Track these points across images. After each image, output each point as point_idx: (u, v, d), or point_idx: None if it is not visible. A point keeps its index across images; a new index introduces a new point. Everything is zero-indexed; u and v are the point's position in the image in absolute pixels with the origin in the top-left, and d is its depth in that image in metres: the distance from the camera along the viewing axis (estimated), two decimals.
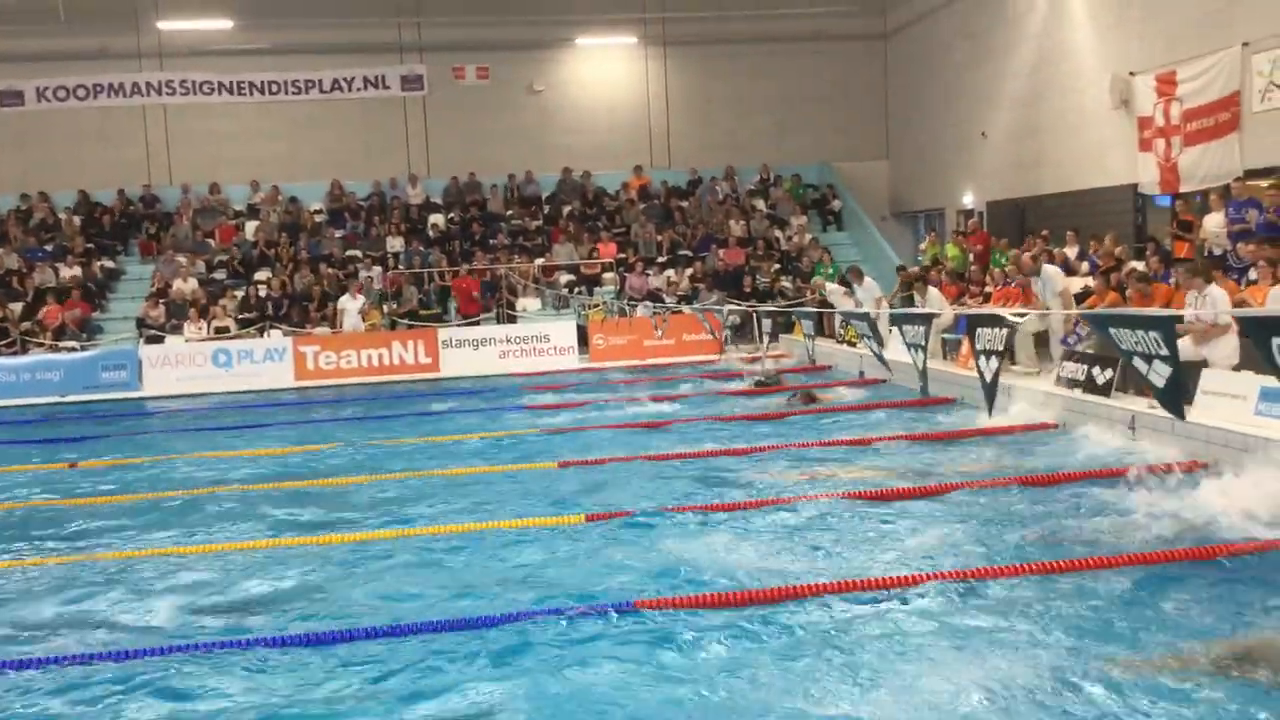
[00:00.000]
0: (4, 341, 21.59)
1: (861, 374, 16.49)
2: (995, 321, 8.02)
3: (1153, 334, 6.22)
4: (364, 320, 22.36)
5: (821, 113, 28.26)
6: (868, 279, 18.46)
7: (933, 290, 16.42)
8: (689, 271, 24.48)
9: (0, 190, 25.81)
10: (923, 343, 8.94)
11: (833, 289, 19.76)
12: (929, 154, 26.60)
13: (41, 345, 21.61)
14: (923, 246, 23.78)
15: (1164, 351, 6.25)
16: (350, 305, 22.39)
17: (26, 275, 23.51)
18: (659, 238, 25.77)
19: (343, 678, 5.20)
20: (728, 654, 5.30)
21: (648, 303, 21.88)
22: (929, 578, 6.12)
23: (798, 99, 28.15)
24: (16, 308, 22.50)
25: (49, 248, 24.63)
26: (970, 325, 8.47)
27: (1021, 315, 7.85)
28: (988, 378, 8.13)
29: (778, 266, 24.86)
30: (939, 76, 25.73)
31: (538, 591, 6.37)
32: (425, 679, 5.12)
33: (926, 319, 9.15)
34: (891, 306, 17.25)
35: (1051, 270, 14.25)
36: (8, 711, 4.96)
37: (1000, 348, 7.96)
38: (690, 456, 10.38)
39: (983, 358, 8.11)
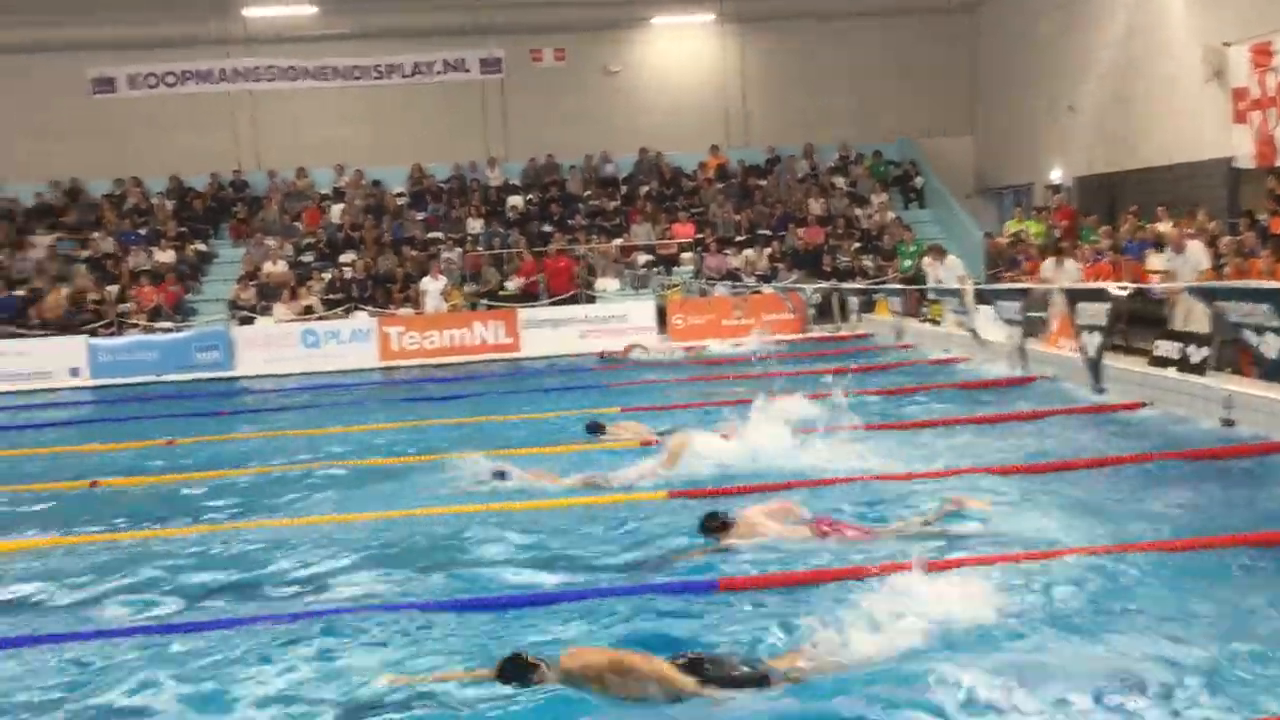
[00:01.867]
0: (102, 323, 22.27)
1: (946, 352, 16.28)
2: (1098, 296, 7.85)
3: (1263, 306, 6.07)
4: (445, 301, 22.66)
5: (903, 87, 27.79)
6: (951, 257, 18.23)
7: (1070, 263, 15.94)
8: (767, 251, 24.38)
9: (95, 176, 26.57)
10: (1020, 318, 8.79)
11: (938, 264, 19.24)
12: (1015, 128, 26.08)
13: (136, 326, 22.26)
14: (1010, 224, 23.36)
15: (1276, 324, 6.10)
16: (432, 286, 22.71)
17: (122, 259, 24.20)
18: (737, 217, 25.68)
19: (466, 638, 5.31)
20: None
21: (728, 282, 21.84)
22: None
23: (879, 74, 27.73)
24: (113, 290, 23.18)
25: (143, 232, 25.32)
26: (1071, 300, 8.30)
27: (1124, 289, 7.67)
28: (1090, 354, 7.96)
29: (858, 245, 24.62)
30: (1026, 48, 25.19)
31: (614, 566, 6.42)
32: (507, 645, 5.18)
33: (1022, 293, 8.98)
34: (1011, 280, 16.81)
35: (1196, 247, 13.90)
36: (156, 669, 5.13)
37: (1103, 322, 7.80)
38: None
39: (1085, 333, 7.94)
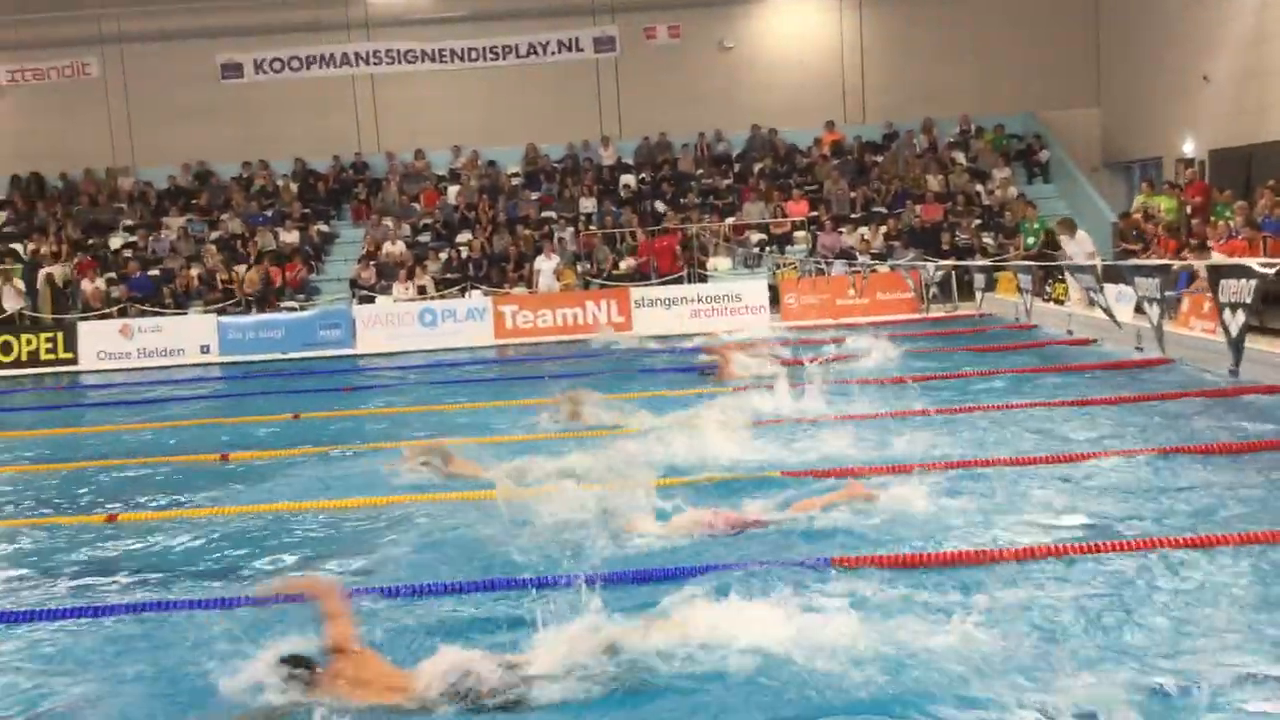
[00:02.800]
0: (230, 301, 23.08)
1: (1070, 333, 15.77)
2: (1241, 273, 7.48)
3: None
4: (559, 280, 22.84)
5: (1026, 58, 26.90)
6: (1080, 232, 17.57)
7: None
8: (883, 229, 23.94)
9: (224, 159, 27.49)
10: (1157, 296, 8.43)
11: (1069, 239, 18.61)
12: (1144, 99, 25.03)
13: (266, 300, 22.98)
14: (1139, 199, 22.47)
15: None
16: (545, 265, 22.92)
17: (249, 239, 25.01)
18: (852, 194, 25.26)
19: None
20: (929, 618, 5.12)
21: (845, 261, 21.52)
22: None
23: (1001, 45, 26.89)
24: (241, 270, 23.99)
25: (269, 213, 26.12)
26: (1213, 278, 7.92)
27: (1270, 266, 7.28)
28: (1233, 333, 7.59)
29: (978, 222, 23.99)
30: (1156, 16, 24.12)
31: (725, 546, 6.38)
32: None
33: (1162, 270, 8.62)
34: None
35: None
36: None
37: (1247, 300, 7.43)
38: (903, 415, 10.10)
39: (1227, 311, 7.58)
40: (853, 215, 24.76)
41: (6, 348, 21.62)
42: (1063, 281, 16.82)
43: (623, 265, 23.64)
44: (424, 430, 11.12)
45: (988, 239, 23.33)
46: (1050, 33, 26.90)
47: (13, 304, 23.08)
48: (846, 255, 22.83)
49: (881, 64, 27.64)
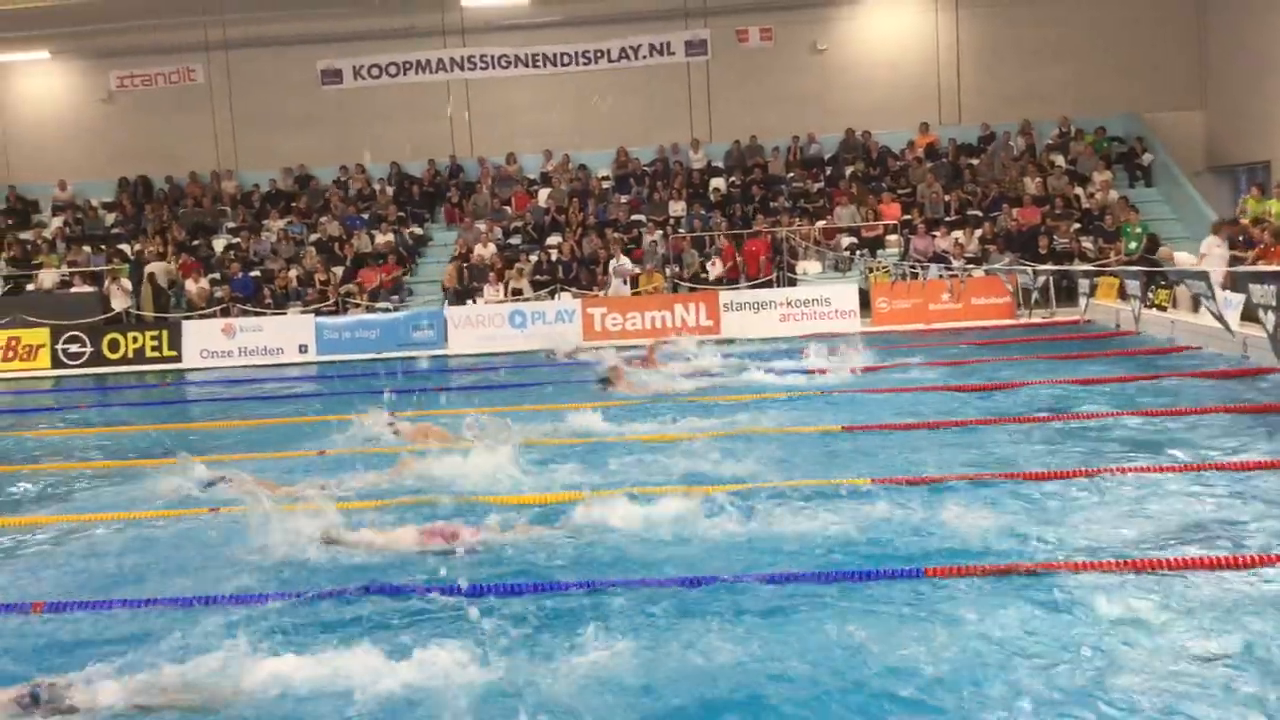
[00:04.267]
0: (326, 303, 23.60)
1: (1171, 341, 15.30)
2: None
3: None
4: (627, 285, 22.88)
5: (1129, 59, 26.16)
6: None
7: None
8: (978, 233, 23.51)
9: (323, 163, 28.12)
10: (1274, 304, 8.12)
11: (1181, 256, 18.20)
12: (1252, 101, 24.16)
13: (358, 306, 23.48)
14: (1243, 203, 21.70)
15: None
16: (614, 267, 23.05)
17: (346, 242, 25.54)
18: (946, 197, 24.86)
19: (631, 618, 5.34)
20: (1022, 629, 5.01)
21: (940, 265, 21.17)
22: None
23: (1102, 45, 26.20)
24: (338, 271, 24.52)
25: (365, 216, 26.65)
26: None
27: None
28: None
29: (1077, 226, 23.42)
30: (1265, 13, 23.26)
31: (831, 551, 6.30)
32: (692, 631, 5.13)
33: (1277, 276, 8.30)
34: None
35: None
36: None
37: None
38: (989, 423, 9.93)
39: None
40: (947, 218, 24.36)
41: (114, 345, 22.44)
42: (1166, 287, 16.34)
43: (710, 269, 23.57)
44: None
45: (1087, 243, 22.75)
46: (1153, 32, 26.15)
47: (120, 303, 23.93)
48: (940, 259, 22.47)
49: (978, 65, 27.15)
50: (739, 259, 23.78)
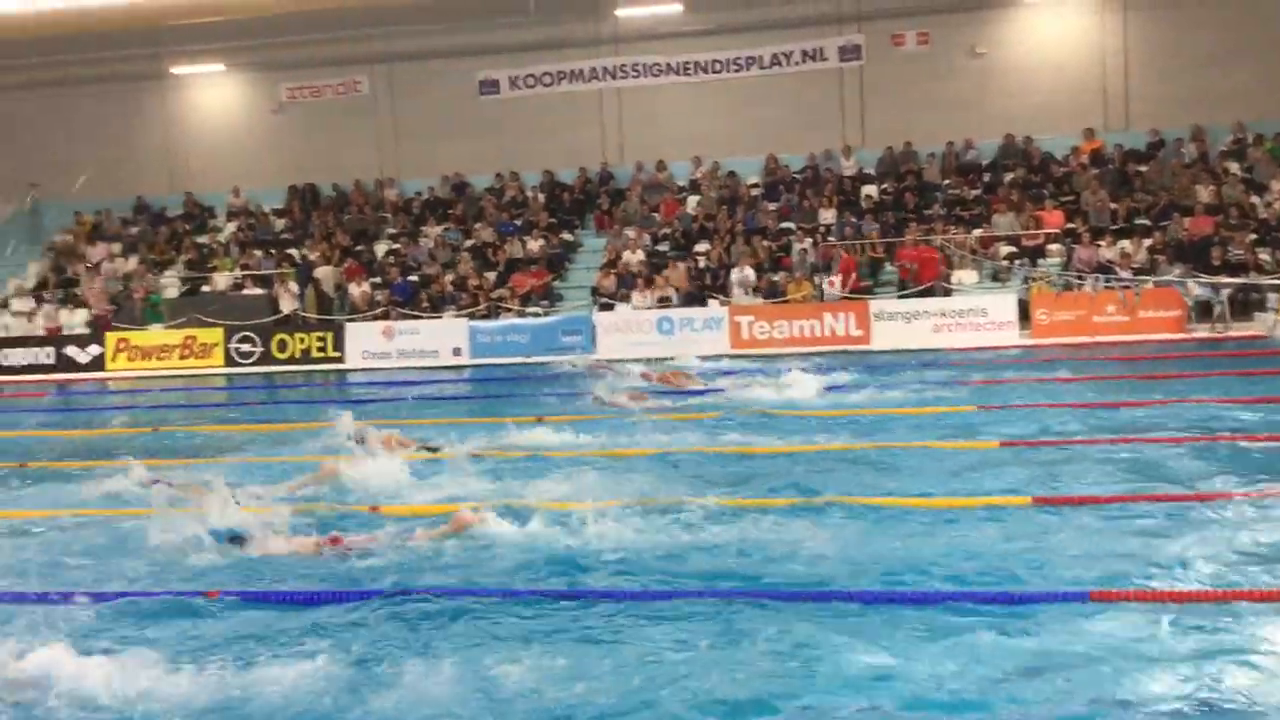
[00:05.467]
0: (479, 307, 24.16)
1: None
2: None
3: None
4: (793, 292, 22.62)
5: None
6: None
7: None
8: (1147, 243, 22.50)
9: (479, 171, 28.84)
10: None
11: None
12: None
13: (510, 310, 23.98)
14: None
15: None
16: (737, 276, 22.93)
17: (499, 248, 26.12)
18: (1113, 206, 23.87)
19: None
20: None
21: (1108, 277, 20.31)
22: None
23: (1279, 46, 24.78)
24: (491, 276, 25.09)
25: (518, 223, 27.20)
26: None
27: None
28: None
29: (1254, 236, 22.17)
30: None
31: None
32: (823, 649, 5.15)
33: None
34: None
35: None
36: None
37: None
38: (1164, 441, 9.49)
39: None
40: (1112, 227, 23.38)
41: (282, 345, 23.52)
42: None
43: (828, 289, 22.74)
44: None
45: (1264, 255, 21.52)
46: None
47: (288, 305, 25.03)
48: (1105, 270, 21.60)
49: (1147, 68, 25.97)
50: (905, 264, 22.91)
